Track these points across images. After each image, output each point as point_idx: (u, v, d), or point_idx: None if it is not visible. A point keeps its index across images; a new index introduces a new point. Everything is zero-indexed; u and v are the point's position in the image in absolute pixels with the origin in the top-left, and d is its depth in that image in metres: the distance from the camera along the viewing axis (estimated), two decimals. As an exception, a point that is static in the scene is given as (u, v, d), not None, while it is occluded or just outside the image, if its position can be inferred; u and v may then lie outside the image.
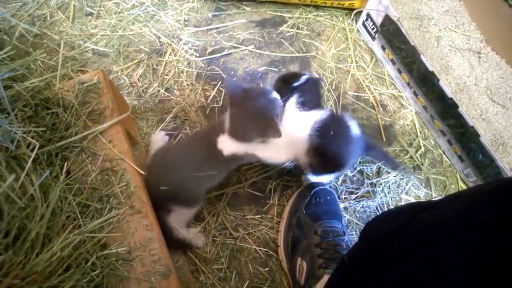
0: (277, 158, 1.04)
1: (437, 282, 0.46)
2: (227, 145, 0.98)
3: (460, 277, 0.45)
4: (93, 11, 1.44)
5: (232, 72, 1.36)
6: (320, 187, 1.09)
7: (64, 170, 0.80)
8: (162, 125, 1.24)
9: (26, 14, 1.42)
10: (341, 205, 1.15)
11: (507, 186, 0.51)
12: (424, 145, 1.28)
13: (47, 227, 0.69)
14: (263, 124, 0.92)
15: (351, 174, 1.21)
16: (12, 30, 1.30)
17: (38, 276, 0.62)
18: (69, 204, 0.77)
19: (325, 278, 0.93)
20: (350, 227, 1.14)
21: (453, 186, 1.23)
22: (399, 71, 1.31)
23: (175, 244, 1.01)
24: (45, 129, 0.82)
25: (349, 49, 1.42)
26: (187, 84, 1.32)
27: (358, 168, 1.22)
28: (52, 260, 0.65)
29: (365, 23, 1.39)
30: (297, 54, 1.41)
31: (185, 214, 1.06)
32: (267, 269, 1.09)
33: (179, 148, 1.08)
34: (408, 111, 1.33)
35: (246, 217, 1.14)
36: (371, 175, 1.21)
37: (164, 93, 1.30)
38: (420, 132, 1.29)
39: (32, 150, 0.74)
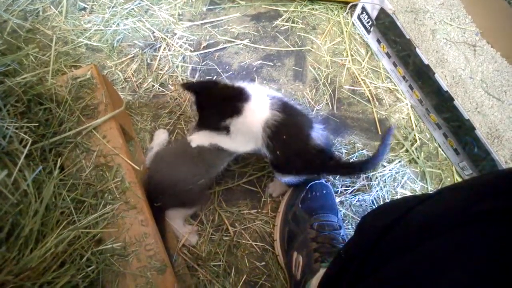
0: (241, 148, 1.02)
1: (436, 277, 0.46)
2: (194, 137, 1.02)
3: (459, 271, 0.45)
4: (86, 6, 1.43)
5: (227, 67, 1.35)
6: (316, 181, 1.09)
7: (58, 165, 0.79)
8: (158, 121, 1.24)
9: (18, 9, 1.40)
10: (337, 199, 1.15)
11: (504, 177, 0.50)
12: (419, 139, 1.28)
13: (41, 223, 0.68)
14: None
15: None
16: (4, 25, 1.29)
17: (32, 272, 0.62)
18: (63, 200, 0.76)
19: (321, 272, 0.93)
20: (346, 221, 1.14)
21: (449, 179, 1.23)
22: (395, 65, 1.31)
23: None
24: (38, 124, 0.81)
25: (345, 42, 1.42)
26: (182, 79, 1.31)
27: (354, 162, 1.22)
28: (47, 256, 0.65)
29: (360, 16, 1.38)
30: (292, 48, 1.40)
31: (185, 212, 1.08)
32: (263, 263, 1.09)
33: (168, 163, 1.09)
34: (403, 105, 1.33)
35: (242, 212, 1.14)
36: (367, 169, 1.21)
37: (158, 88, 1.29)
38: (416, 126, 1.29)
39: (24, 146, 0.73)
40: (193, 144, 1.01)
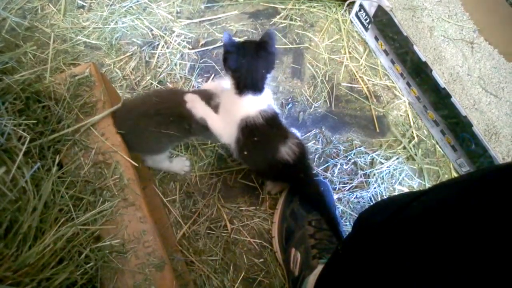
0: (219, 133, 0.99)
1: (432, 270, 0.46)
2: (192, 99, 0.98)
3: (457, 265, 0.45)
4: (84, 4, 1.43)
5: (226, 64, 1.35)
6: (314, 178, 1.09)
7: (56, 163, 0.79)
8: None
9: (17, 7, 1.40)
10: (335, 196, 1.15)
11: (498, 172, 0.51)
12: (417, 136, 1.28)
13: (40, 220, 0.69)
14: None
15: (345, 166, 1.22)
16: (2, 23, 1.28)
17: (31, 269, 0.62)
18: (61, 197, 0.77)
19: (319, 268, 0.93)
20: (344, 218, 1.15)
21: (446, 176, 1.24)
22: (392, 62, 1.31)
23: None
24: (36, 122, 0.81)
25: (343, 40, 1.42)
26: (180, 77, 1.32)
27: (352, 160, 1.22)
28: (45, 252, 0.65)
29: (358, 14, 1.38)
30: (291, 46, 1.40)
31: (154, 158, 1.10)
32: (261, 260, 1.09)
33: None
34: (401, 102, 1.33)
35: (241, 209, 1.14)
36: (365, 166, 1.22)
37: (157, 86, 1.29)
38: (414, 123, 1.30)
39: (23, 143, 0.73)
40: (187, 105, 0.97)
